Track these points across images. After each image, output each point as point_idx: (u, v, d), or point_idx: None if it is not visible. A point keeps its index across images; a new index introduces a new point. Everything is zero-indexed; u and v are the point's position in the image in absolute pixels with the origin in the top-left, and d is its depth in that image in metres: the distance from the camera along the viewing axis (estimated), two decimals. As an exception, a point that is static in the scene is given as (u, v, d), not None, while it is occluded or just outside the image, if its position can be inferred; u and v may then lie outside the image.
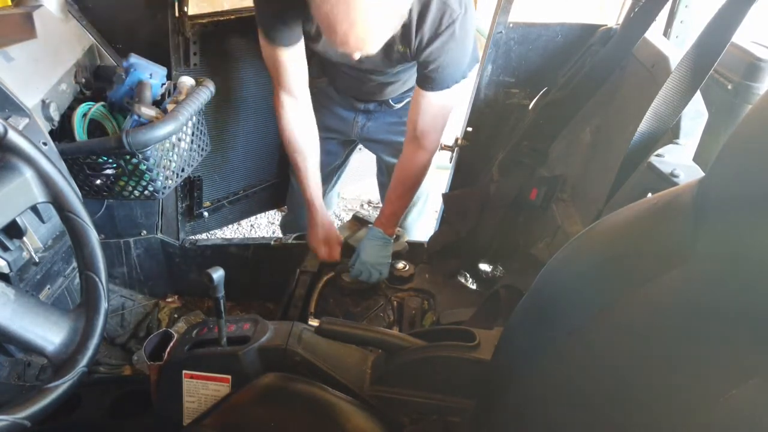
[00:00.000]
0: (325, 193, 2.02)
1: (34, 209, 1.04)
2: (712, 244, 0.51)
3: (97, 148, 1.23)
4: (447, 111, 1.47)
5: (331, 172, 1.98)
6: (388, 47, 1.36)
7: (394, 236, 1.67)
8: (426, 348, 0.98)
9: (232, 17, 1.66)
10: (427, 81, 1.39)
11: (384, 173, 1.98)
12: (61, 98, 1.26)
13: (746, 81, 1.20)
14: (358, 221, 1.87)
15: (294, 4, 1.29)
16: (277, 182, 2.14)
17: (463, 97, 1.76)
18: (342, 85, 1.73)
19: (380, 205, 3.27)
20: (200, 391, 1.02)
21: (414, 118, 1.48)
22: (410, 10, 1.24)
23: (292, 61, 1.45)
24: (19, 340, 0.74)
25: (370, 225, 1.67)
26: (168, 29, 1.50)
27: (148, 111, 1.26)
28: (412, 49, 1.34)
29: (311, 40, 1.45)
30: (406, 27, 1.28)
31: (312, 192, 1.65)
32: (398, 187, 1.61)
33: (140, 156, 1.25)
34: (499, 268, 1.63)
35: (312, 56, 1.57)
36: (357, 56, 1.20)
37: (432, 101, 1.42)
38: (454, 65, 1.35)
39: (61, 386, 0.76)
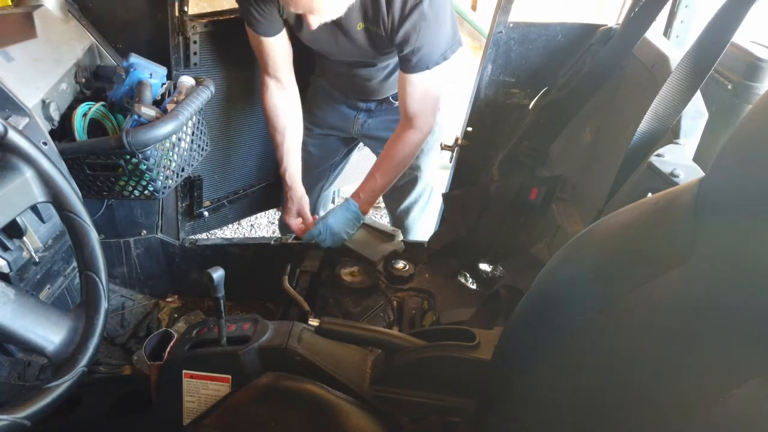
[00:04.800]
0: (322, 190, 2.03)
1: (34, 209, 1.05)
2: (712, 244, 0.51)
3: (97, 147, 1.23)
4: (433, 93, 1.50)
5: (328, 168, 1.98)
6: (368, 32, 1.40)
7: (368, 216, 1.68)
8: (426, 348, 0.98)
9: (232, 17, 1.66)
10: (407, 63, 1.42)
11: None
12: (61, 98, 1.26)
13: (746, 81, 1.20)
14: None
15: None
16: (277, 181, 2.13)
17: (463, 96, 1.76)
18: (341, 87, 1.73)
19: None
20: (200, 390, 1.02)
21: (402, 101, 1.51)
22: None
23: (275, 49, 1.52)
24: (19, 340, 0.74)
25: (348, 198, 1.68)
26: (168, 29, 1.50)
27: (148, 111, 1.26)
28: (387, 31, 1.37)
29: (294, 29, 1.50)
30: (375, 8, 1.33)
31: (290, 168, 1.70)
32: (384, 162, 1.62)
33: (140, 156, 1.25)
34: (499, 268, 1.63)
35: (311, 56, 1.59)
36: (314, 23, 1.26)
37: (415, 83, 1.45)
38: (429, 45, 1.38)
39: (61, 386, 0.76)
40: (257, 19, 1.43)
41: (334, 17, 1.29)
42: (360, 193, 1.65)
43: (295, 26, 1.49)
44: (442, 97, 1.56)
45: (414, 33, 1.34)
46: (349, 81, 1.67)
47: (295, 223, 1.76)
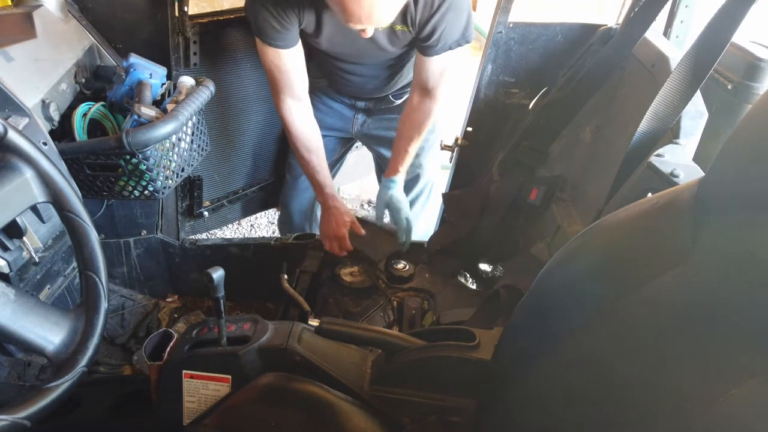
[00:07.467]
0: None
1: (34, 209, 1.05)
2: (712, 244, 0.51)
3: (97, 148, 1.23)
4: (451, 68, 1.54)
5: None
6: (391, 30, 1.43)
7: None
8: (426, 348, 0.98)
9: (232, 17, 1.66)
10: (430, 48, 1.46)
11: (383, 170, 1.98)
12: (61, 98, 1.27)
13: (746, 81, 1.20)
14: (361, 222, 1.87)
15: (288, 3, 1.33)
16: (277, 181, 2.14)
17: (463, 96, 1.76)
18: (341, 86, 1.73)
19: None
20: (200, 390, 1.02)
21: (421, 78, 1.55)
22: None
23: (294, 63, 1.48)
24: (19, 340, 0.74)
25: (392, 179, 1.68)
26: (168, 29, 1.50)
27: (148, 111, 1.26)
28: (414, 26, 1.40)
29: (312, 36, 1.46)
30: (404, 7, 1.34)
31: (324, 181, 1.68)
32: (410, 133, 1.63)
33: (140, 156, 1.25)
34: (499, 268, 1.63)
35: (310, 58, 1.58)
36: (370, 32, 1.28)
37: (436, 62, 1.50)
38: (453, 30, 1.42)
39: (61, 386, 0.76)
40: (277, 30, 1.37)
41: (389, 23, 1.33)
42: (399, 167, 1.67)
43: (314, 33, 1.44)
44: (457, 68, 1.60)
45: (439, 24, 1.39)
46: (351, 80, 1.67)
47: (329, 244, 1.72)
